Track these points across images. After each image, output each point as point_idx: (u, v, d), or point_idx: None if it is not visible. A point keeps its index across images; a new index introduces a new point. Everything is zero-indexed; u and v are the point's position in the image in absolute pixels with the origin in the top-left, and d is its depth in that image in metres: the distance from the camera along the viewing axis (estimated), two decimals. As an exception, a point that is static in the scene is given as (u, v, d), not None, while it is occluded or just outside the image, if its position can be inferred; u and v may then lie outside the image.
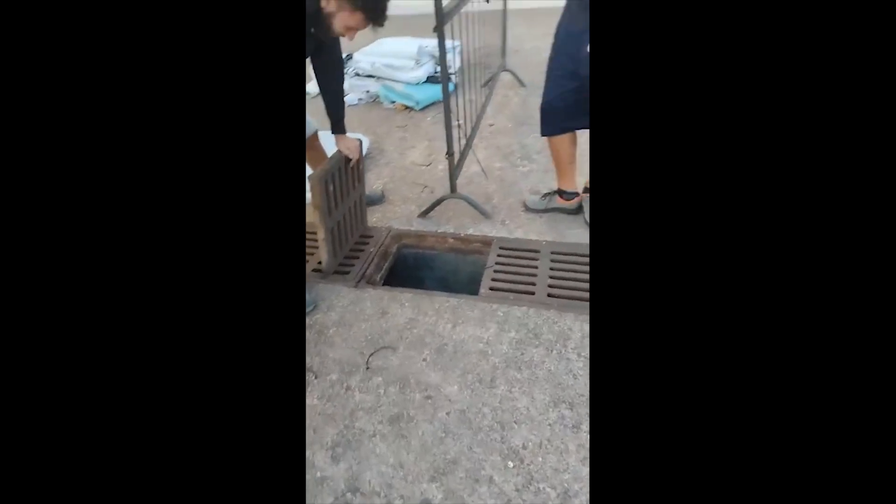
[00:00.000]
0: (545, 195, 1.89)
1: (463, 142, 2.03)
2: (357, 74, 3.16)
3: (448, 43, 3.48)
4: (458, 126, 2.74)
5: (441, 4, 1.48)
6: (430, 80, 3.11)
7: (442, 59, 1.58)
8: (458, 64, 3.28)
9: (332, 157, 1.55)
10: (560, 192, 1.82)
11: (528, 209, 1.90)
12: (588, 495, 0.95)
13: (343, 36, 1.33)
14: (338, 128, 1.60)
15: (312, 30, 1.33)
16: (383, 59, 3.07)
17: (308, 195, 1.48)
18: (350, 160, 1.61)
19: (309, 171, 1.78)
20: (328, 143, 1.68)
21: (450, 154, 1.78)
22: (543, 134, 1.74)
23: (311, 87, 2.85)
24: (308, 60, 1.49)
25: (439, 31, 1.51)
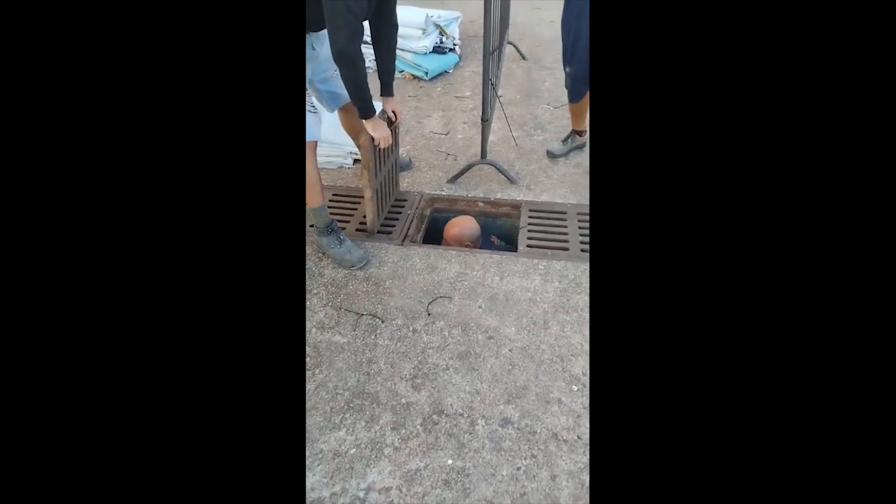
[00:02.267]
0: (565, 139, 2.14)
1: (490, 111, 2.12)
2: (364, 42, 3.14)
3: (450, 13, 3.49)
4: (466, 97, 2.81)
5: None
6: (436, 50, 3.14)
7: (486, 30, 1.65)
8: (457, 34, 3.32)
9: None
10: (577, 133, 2.11)
11: (553, 156, 2.13)
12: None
13: None
14: (387, 90, 1.64)
15: None
16: (390, 27, 3.07)
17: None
18: (393, 122, 1.67)
19: (344, 134, 1.83)
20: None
21: (485, 120, 1.87)
22: (573, 101, 1.92)
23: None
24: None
25: (486, 2, 1.58)
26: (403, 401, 1.17)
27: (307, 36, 1.43)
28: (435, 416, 1.13)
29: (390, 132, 1.58)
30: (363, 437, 1.09)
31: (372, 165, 1.58)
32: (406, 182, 2.04)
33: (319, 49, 1.49)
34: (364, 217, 1.75)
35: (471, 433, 1.09)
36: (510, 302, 1.43)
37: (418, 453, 1.06)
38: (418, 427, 1.11)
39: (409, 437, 1.09)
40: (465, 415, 1.13)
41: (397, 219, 1.82)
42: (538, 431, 1.09)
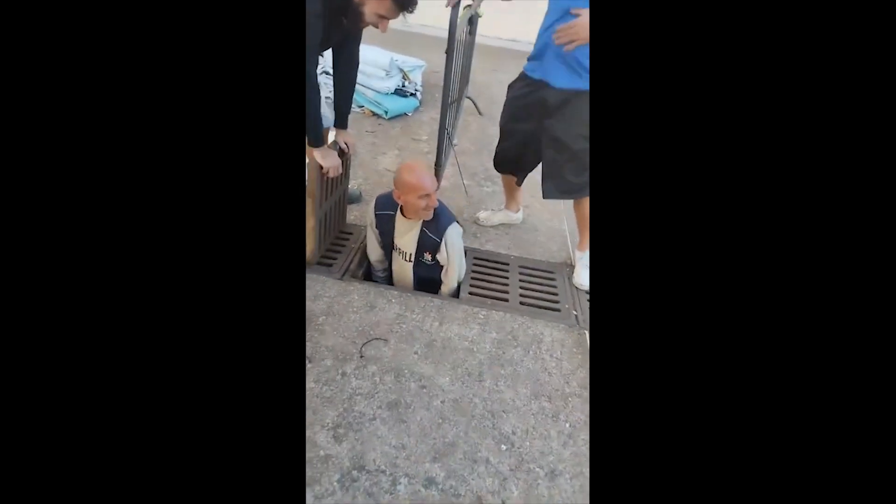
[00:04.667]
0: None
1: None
2: (326, 73, 3.14)
3: (415, 60, 3.63)
4: (422, 140, 2.87)
5: (454, 31, 1.62)
6: (397, 92, 3.22)
7: (446, 81, 1.71)
8: (419, 81, 3.45)
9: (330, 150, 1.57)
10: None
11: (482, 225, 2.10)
12: (570, 475, 1.11)
13: (376, 27, 1.35)
14: (342, 122, 1.63)
15: (345, 20, 1.36)
16: (355, 63, 3.11)
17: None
18: (345, 153, 1.65)
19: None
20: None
21: (438, 166, 1.90)
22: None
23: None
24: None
25: (449, 53, 1.65)
26: (322, 453, 1.06)
27: None
28: (355, 472, 1.04)
29: (340, 162, 1.55)
30: (270, 493, 0.97)
31: (317, 194, 1.52)
32: (353, 215, 1.99)
33: None
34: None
35: (391, 493, 1.01)
36: (447, 350, 1.40)
37: (331, 515, 0.95)
38: (335, 484, 1.01)
39: (323, 496, 0.98)
40: (388, 472, 1.05)
41: (340, 252, 1.75)
42: (462, 494, 1.03)
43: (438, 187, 2.01)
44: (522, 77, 1.66)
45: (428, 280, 1.68)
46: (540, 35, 1.55)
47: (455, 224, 1.60)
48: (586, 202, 1.71)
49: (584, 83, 1.49)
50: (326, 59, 1.73)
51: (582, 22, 1.27)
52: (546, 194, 1.70)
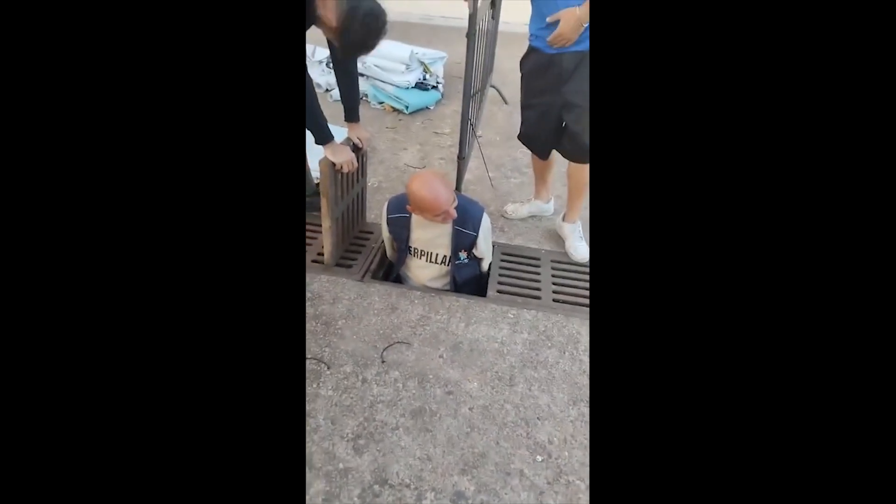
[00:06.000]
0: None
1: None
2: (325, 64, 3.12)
3: (435, 52, 3.55)
4: (445, 134, 2.78)
5: (475, 17, 1.52)
6: (418, 86, 3.14)
7: (468, 67, 1.62)
8: (441, 73, 3.36)
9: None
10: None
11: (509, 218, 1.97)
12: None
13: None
14: (351, 116, 1.56)
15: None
16: (374, 59, 3.06)
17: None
18: (359, 149, 1.57)
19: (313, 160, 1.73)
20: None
21: (461, 158, 1.81)
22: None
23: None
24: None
25: (470, 40, 1.55)
26: (342, 466, 1.00)
27: None
28: (377, 487, 0.96)
29: (354, 157, 1.47)
30: (287, 510, 0.91)
31: (331, 193, 1.45)
32: (373, 214, 1.93)
33: None
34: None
35: (417, 511, 0.93)
36: (475, 352, 1.31)
37: (351, 535, 0.88)
38: (355, 500, 0.94)
39: (342, 514, 0.91)
40: (413, 486, 0.97)
41: (360, 252, 1.70)
42: (495, 511, 0.94)
43: (461, 182, 1.92)
44: (531, 50, 1.59)
45: (471, 280, 1.58)
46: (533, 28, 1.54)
47: (483, 209, 1.51)
48: (587, 167, 1.63)
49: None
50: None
51: (563, 30, 1.40)
52: (566, 155, 1.66)
